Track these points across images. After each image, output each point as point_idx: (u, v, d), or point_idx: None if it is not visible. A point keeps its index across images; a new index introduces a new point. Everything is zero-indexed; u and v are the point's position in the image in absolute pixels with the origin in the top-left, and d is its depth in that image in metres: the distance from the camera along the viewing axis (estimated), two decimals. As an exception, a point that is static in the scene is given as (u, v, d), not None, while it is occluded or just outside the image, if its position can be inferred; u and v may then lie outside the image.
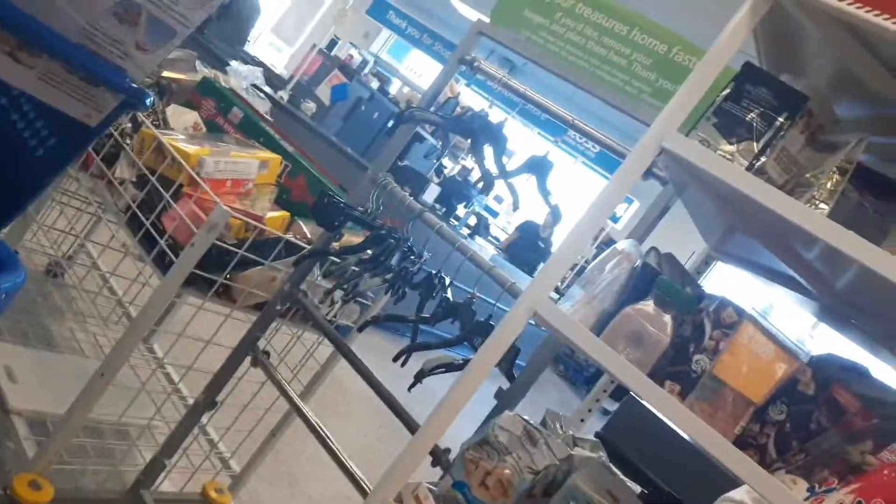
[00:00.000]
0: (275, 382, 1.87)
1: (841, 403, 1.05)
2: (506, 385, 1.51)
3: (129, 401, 1.89)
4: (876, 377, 1.15)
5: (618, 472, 1.35)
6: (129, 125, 2.11)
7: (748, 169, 1.10)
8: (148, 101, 1.28)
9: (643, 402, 2.99)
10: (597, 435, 1.78)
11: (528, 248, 5.18)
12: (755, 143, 1.17)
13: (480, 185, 1.94)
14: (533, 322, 1.19)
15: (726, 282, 2.15)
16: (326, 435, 1.74)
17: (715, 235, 1.58)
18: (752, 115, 1.15)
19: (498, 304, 1.56)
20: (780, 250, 1.24)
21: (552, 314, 1.10)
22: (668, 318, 1.07)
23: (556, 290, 1.59)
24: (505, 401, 1.46)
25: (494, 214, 7.82)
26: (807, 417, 1.04)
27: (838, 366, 1.12)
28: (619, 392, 2.36)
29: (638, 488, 1.34)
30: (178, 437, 1.95)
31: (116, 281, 2.47)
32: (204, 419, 2.06)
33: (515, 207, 1.89)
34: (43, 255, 2.78)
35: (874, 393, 1.09)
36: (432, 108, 1.95)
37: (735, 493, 1.80)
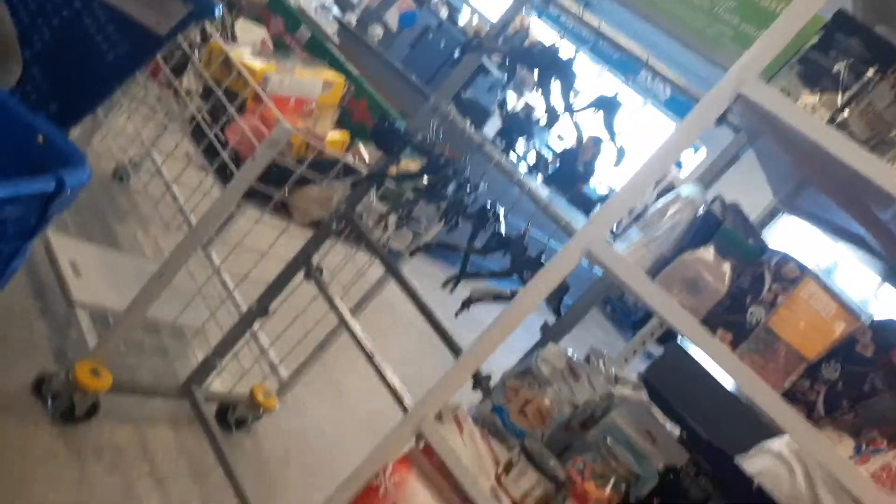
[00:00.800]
0: (326, 297, 1.91)
1: (898, 368, 1.02)
2: (552, 321, 1.52)
3: (186, 303, 1.96)
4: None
5: (656, 414, 1.36)
6: (199, 38, 2.13)
7: (829, 122, 1.06)
8: (216, 12, 1.29)
9: (688, 349, 2.97)
10: (638, 376, 1.78)
11: (567, 174, 5.08)
12: (839, 96, 1.12)
13: (544, 120, 1.91)
14: (586, 262, 1.19)
15: (789, 237, 2.09)
16: (371, 351, 1.78)
17: (785, 188, 1.53)
18: (840, 66, 1.09)
19: (551, 241, 1.56)
20: (854, 208, 1.20)
21: (606, 254, 1.09)
22: (727, 266, 1.05)
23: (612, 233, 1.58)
24: (550, 335, 1.46)
25: (556, 153, 7.68)
26: (861, 379, 1.02)
27: (900, 331, 1.09)
28: (666, 337, 2.35)
29: (676, 431, 1.35)
30: (230, 341, 2.03)
31: (179, 189, 2.53)
32: (256, 327, 2.13)
33: (579, 145, 1.85)
34: (110, 159, 2.86)
35: (933, 361, 1.06)
36: (501, 40, 1.91)
37: (773, 444, 1.79)
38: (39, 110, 1.61)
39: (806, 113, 1.02)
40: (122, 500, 1.73)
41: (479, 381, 1.39)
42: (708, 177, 1.46)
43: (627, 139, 1.76)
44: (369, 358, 1.78)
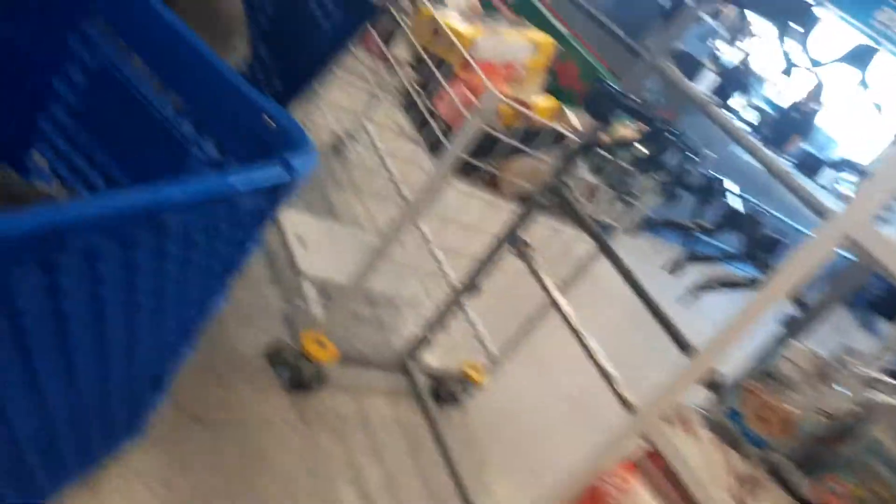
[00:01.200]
0: (534, 274, 1.86)
1: None
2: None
3: (401, 276, 2.01)
4: None
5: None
6: (409, 3, 2.13)
7: None
8: None
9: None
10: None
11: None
12: None
13: (775, 73, 1.70)
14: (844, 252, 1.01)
15: None
16: (581, 332, 1.71)
17: None
18: None
19: (796, 225, 1.37)
20: None
21: (875, 242, 0.91)
22: None
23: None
24: (794, 330, 1.29)
25: (776, 108, 6.99)
26: None
27: None
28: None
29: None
30: (442, 316, 2.05)
31: (392, 160, 2.59)
32: (465, 302, 2.14)
33: (819, 100, 1.62)
34: (327, 131, 2.99)
35: None
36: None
37: None
38: (267, 87, 1.70)
39: None
40: (346, 469, 1.82)
41: (714, 380, 1.26)
42: None
43: (882, 95, 1.50)
44: (578, 338, 1.71)
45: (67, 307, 0.76)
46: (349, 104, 2.79)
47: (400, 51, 2.12)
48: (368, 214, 2.69)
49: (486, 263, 1.97)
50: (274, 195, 0.91)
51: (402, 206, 1.88)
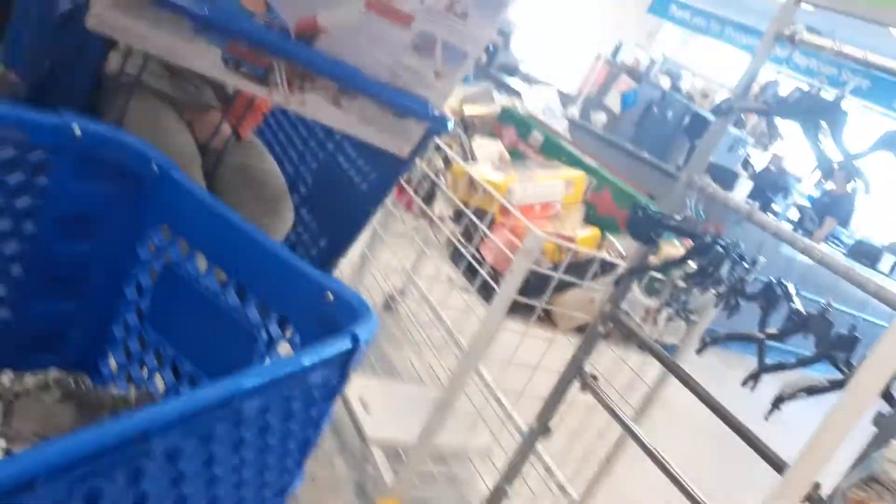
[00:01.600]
0: (605, 406, 1.81)
1: None
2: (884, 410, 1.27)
3: (468, 428, 1.97)
4: None
5: None
6: (442, 164, 2.24)
7: None
8: (448, 126, 1.33)
9: None
10: None
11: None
12: None
13: (812, 172, 1.70)
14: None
15: None
16: (665, 459, 1.63)
17: None
18: None
19: (864, 316, 1.32)
20: None
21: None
22: None
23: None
24: (889, 429, 1.22)
25: (813, 200, 6.98)
26: None
27: None
28: None
29: None
30: (516, 464, 1.98)
31: (445, 311, 2.63)
32: (539, 446, 2.07)
33: (867, 191, 1.61)
34: (379, 291, 3.07)
35: None
36: (751, 97, 1.76)
37: None
38: (313, 247, 1.78)
39: None
40: None
41: (813, 496, 1.19)
42: None
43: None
44: (662, 466, 1.63)
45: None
46: (398, 264, 2.88)
47: (441, 207, 2.21)
48: (427, 368, 2.69)
49: (554, 402, 1.92)
50: (342, 367, 0.92)
51: (459, 356, 1.89)
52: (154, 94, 1.51)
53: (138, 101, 1.44)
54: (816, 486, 1.17)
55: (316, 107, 1.23)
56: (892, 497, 1.04)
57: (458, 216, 2.09)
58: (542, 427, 1.92)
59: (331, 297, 1.02)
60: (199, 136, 1.60)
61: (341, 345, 0.86)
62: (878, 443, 1.22)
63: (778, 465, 1.20)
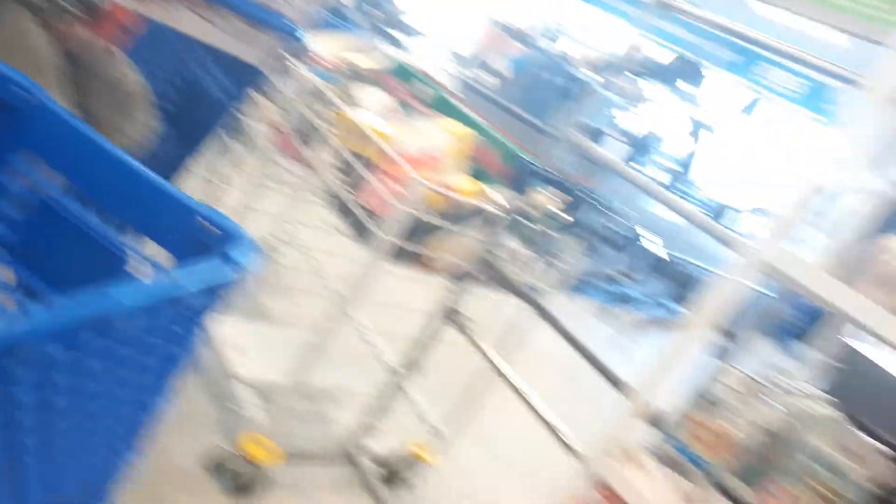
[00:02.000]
0: (474, 344, 1.91)
1: None
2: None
3: (339, 367, 2.02)
4: None
5: (853, 428, 1.23)
6: (327, 111, 2.23)
7: None
8: (299, 35, 1.38)
9: (866, 355, 2.72)
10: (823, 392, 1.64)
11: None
12: None
13: (674, 129, 1.85)
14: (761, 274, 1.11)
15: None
16: (527, 394, 1.75)
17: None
18: None
19: (709, 268, 1.48)
20: None
21: (786, 263, 1.01)
22: (918, 256, 0.94)
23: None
24: (723, 356, 1.38)
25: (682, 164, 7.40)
26: None
27: None
28: (843, 352, 2.17)
29: (878, 444, 1.22)
30: (385, 400, 2.06)
31: (322, 257, 2.64)
32: (408, 383, 2.16)
33: (695, 139, 1.77)
34: (258, 238, 3.03)
35: None
36: (625, 59, 1.88)
37: None
38: (162, 152, 1.78)
39: None
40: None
41: (653, 414, 1.32)
42: (882, 162, 1.33)
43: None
44: (525, 400, 1.75)
45: (18, 418, 0.77)
46: (276, 210, 2.85)
47: (324, 153, 2.21)
48: (305, 314, 2.70)
49: (424, 342, 2.01)
50: (218, 291, 0.94)
51: (334, 299, 1.92)
52: (17, 4, 1.45)
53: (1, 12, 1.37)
54: (655, 407, 1.31)
55: (177, 15, 1.23)
56: (719, 411, 1.18)
57: (340, 162, 2.10)
58: (412, 364, 2.00)
59: (204, 222, 1.02)
60: (64, 47, 1.55)
61: (218, 267, 0.88)
62: (711, 367, 1.37)
63: (619, 387, 1.33)
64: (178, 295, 0.87)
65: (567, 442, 1.62)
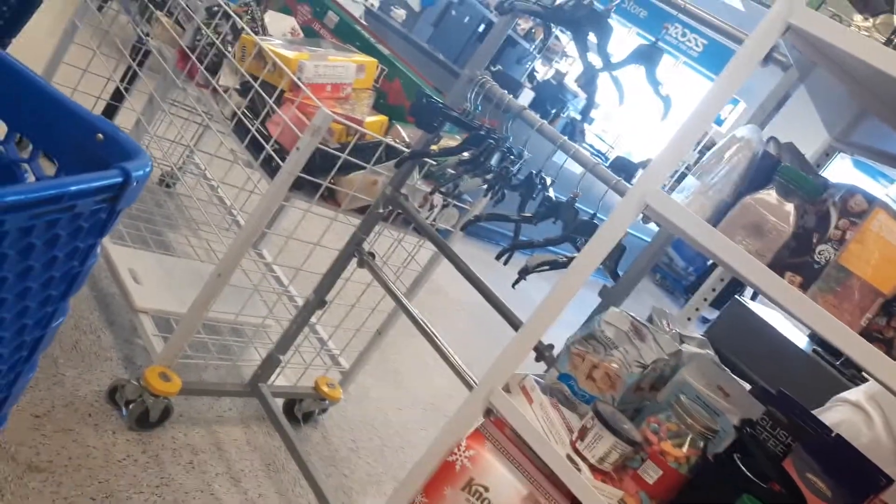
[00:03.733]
0: (381, 282, 1.92)
1: (981, 297, 0.98)
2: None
3: (243, 301, 1.99)
4: None
5: (726, 369, 1.33)
6: (230, 33, 2.15)
7: (886, 44, 1.01)
8: None
9: (748, 305, 2.91)
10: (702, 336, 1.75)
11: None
12: (895, 16, 1.07)
13: (581, 80, 1.88)
14: (641, 217, 1.16)
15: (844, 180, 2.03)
16: (433, 332, 1.78)
17: (841, 124, 1.47)
18: (892, -14, 1.04)
19: (599, 208, 1.53)
20: (918, 135, 1.15)
21: (665, 205, 1.06)
22: (790, 207, 1.01)
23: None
24: (609, 299, 1.44)
25: (590, 121, 7.59)
26: (942, 311, 0.98)
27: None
28: (720, 300, 2.32)
29: (747, 385, 1.32)
30: (291, 335, 2.06)
31: (226, 188, 2.57)
32: (314, 319, 2.16)
33: (621, 101, 1.81)
34: (155, 165, 2.91)
35: None
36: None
37: (848, 395, 1.75)
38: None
39: (862, 37, 0.97)
40: (203, 500, 1.77)
41: (542, 351, 1.38)
42: (758, 120, 1.41)
43: (672, 89, 1.70)
44: (430, 339, 1.78)
45: None
46: (178, 136, 2.74)
47: (226, 79, 2.13)
48: (206, 246, 2.64)
49: (331, 277, 2.00)
50: (111, 202, 0.90)
51: (238, 232, 1.89)
52: None
53: None
54: (543, 343, 1.36)
55: None
56: (605, 350, 1.25)
57: (244, 89, 2.03)
58: (318, 300, 2.00)
59: (101, 137, 0.98)
60: None
61: (110, 177, 0.84)
62: (600, 309, 1.44)
63: (515, 325, 1.38)
64: (64, 193, 0.83)
65: (467, 378, 1.67)
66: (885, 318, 1.00)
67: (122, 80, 2.54)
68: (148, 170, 0.89)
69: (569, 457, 1.08)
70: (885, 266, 0.96)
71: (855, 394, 1.72)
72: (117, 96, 2.75)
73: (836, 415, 1.70)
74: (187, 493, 1.75)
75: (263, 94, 1.93)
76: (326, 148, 1.82)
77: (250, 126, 1.93)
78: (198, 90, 2.15)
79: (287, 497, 1.95)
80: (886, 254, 0.95)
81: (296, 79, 1.91)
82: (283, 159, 1.81)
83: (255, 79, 1.96)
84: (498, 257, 1.56)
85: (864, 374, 1.88)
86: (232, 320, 2.06)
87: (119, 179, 0.84)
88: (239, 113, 1.97)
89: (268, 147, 1.85)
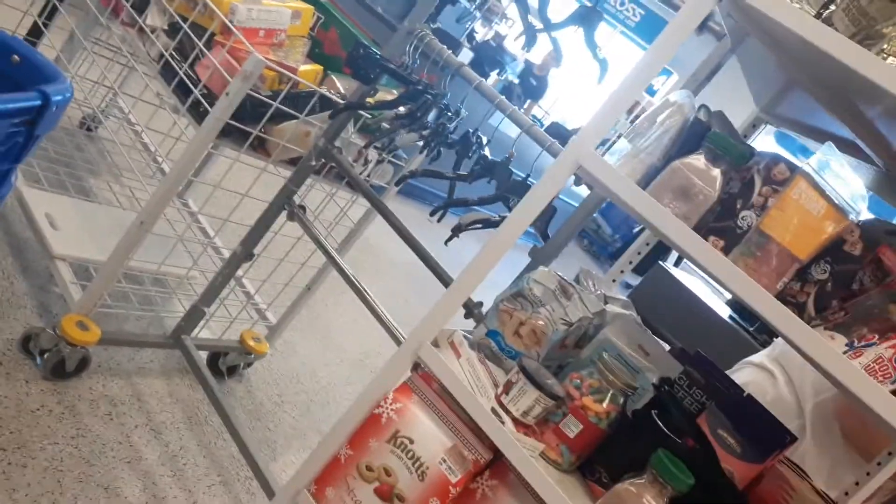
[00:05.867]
0: (311, 237, 1.89)
1: (886, 265, 1.03)
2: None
3: (167, 252, 1.93)
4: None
5: (647, 330, 1.37)
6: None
7: (816, 16, 1.03)
8: None
9: (671, 272, 3.01)
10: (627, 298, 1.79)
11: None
12: (825, -9, 1.09)
13: (521, 41, 1.87)
14: (573, 179, 1.17)
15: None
16: (363, 288, 1.77)
17: (769, 94, 1.51)
18: (823, -38, 1.06)
19: (534, 170, 1.54)
20: (840, 108, 1.19)
21: (597, 167, 1.07)
22: (717, 172, 1.04)
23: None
24: (539, 259, 1.46)
25: (528, 84, 7.58)
26: (850, 277, 1.03)
27: (885, 229, 1.10)
28: (644, 266, 2.38)
29: (666, 346, 1.36)
30: (216, 288, 2.01)
31: (151, 134, 2.47)
32: (241, 271, 2.11)
33: (558, 63, 1.82)
34: (76, 108, 2.77)
35: (921, 257, 1.07)
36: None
37: (754, 357, 1.85)
38: None
39: (793, 9, 0.99)
40: (121, 452, 1.73)
41: (472, 308, 1.39)
42: (691, 87, 1.44)
43: (608, 53, 1.71)
44: (361, 295, 1.77)
45: None
46: (101, 78, 2.60)
47: (154, 18, 2.03)
48: (129, 194, 2.54)
49: (259, 230, 1.96)
50: (28, 125, 0.85)
51: (163, 180, 1.82)
52: None
53: None
54: (473, 301, 1.37)
55: None
56: (532, 308, 1.26)
57: (172, 30, 1.94)
58: (245, 253, 1.96)
59: (17, 59, 0.92)
60: None
61: (28, 99, 0.79)
62: (529, 268, 1.46)
63: (446, 282, 1.38)
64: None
65: (397, 334, 1.67)
66: (799, 282, 1.05)
67: (40, 15, 2.39)
68: (69, 95, 0.84)
69: (493, 410, 1.10)
70: (802, 233, 0.99)
71: (760, 356, 1.82)
72: (35, 32, 2.59)
73: (744, 375, 1.79)
74: (105, 444, 1.71)
75: (193, 35, 1.85)
76: (258, 95, 1.76)
77: (178, 69, 1.85)
78: (123, 29, 2.04)
79: (209, 449, 1.93)
80: (805, 221, 0.99)
81: (227, 21, 1.84)
82: (211, 105, 1.75)
83: (185, 20, 1.88)
84: (432, 214, 1.55)
85: (776, 337, 1.98)
86: (155, 270, 1.99)
87: (37, 102, 0.80)
88: (167, 55, 1.88)
89: (196, 91, 1.78)
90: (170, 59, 1.87)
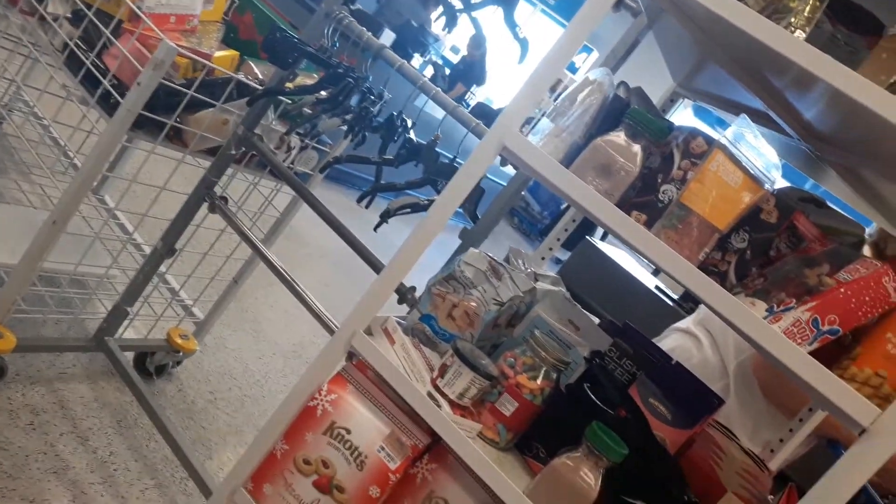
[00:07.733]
0: (235, 228, 1.84)
1: (800, 231, 1.07)
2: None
3: (84, 251, 1.85)
4: (832, 207, 1.18)
5: (577, 304, 1.39)
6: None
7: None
8: None
9: (597, 246, 3.07)
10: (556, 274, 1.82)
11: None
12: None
13: (442, 22, 1.86)
14: (498, 160, 1.17)
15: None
16: (292, 279, 1.74)
17: (685, 69, 1.55)
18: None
19: (460, 153, 1.53)
20: (752, 81, 1.22)
21: (521, 147, 1.07)
22: (637, 148, 1.05)
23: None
24: (469, 240, 1.46)
25: (450, 65, 7.58)
26: (767, 244, 1.07)
27: (798, 196, 1.15)
28: (572, 241, 2.43)
29: (596, 319, 1.39)
30: (138, 286, 1.94)
31: (59, 128, 2.35)
32: (163, 267, 2.04)
33: (479, 44, 1.81)
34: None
35: (830, 221, 1.12)
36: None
37: (679, 323, 1.91)
38: None
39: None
40: (46, 462, 1.66)
41: (404, 293, 1.38)
42: (610, 65, 1.45)
43: (529, 36, 1.71)
44: (290, 286, 1.74)
45: None
46: (1, 69, 2.46)
47: (56, 5, 1.92)
48: (40, 192, 2.42)
49: (180, 224, 1.90)
50: None
51: (75, 175, 1.73)
52: None
53: None
54: (405, 286, 1.36)
55: None
56: (464, 290, 1.26)
57: (76, 18, 1.85)
58: (166, 248, 1.89)
59: None
60: None
61: None
62: (460, 251, 1.46)
63: (378, 269, 1.36)
64: None
65: (329, 324, 1.65)
66: (720, 252, 1.08)
67: (-73, 3, 2.23)
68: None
69: (429, 394, 1.10)
70: (721, 204, 1.02)
71: (687, 322, 1.88)
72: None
73: (670, 342, 1.85)
74: (28, 455, 1.63)
75: (99, 23, 1.76)
76: (171, 84, 1.70)
77: (84, 59, 1.76)
78: (22, 17, 1.93)
79: (141, 453, 1.87)
80: (723, 192, 1.01)
81: (135, 7, 1.76)
82: (122, 96, 1.67)
83: (89, 7, 1.79)
84: (359, 200, 1.53)
85: (699, 305, 2.05)
86: (71, 271, 1.91)
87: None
88: (71, 44, 1.79)
89: (105, 82, 1.70)
90: (75, 49, 1.78)
